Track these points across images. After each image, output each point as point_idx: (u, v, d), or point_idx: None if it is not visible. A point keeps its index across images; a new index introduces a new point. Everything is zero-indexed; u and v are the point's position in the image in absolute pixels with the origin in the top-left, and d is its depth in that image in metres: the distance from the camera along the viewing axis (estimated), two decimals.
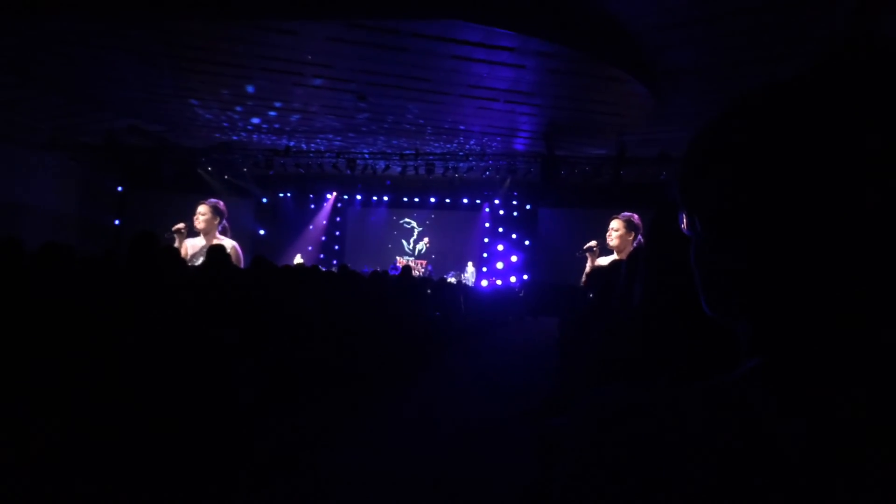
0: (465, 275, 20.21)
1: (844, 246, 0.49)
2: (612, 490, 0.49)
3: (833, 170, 0.49)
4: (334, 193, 22.57)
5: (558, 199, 19.27)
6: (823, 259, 0.49)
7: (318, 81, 11.45)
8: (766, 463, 0.45)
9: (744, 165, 0.54)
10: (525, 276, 20.42)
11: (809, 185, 0.50)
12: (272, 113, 13.96)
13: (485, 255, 21.67)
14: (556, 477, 0.54)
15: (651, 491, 0.47)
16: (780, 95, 0.54)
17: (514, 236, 20.94)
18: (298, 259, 19.82)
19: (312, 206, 22.82)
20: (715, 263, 0.59)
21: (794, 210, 0.50)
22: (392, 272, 13.66)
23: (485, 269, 21.13)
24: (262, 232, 21.49)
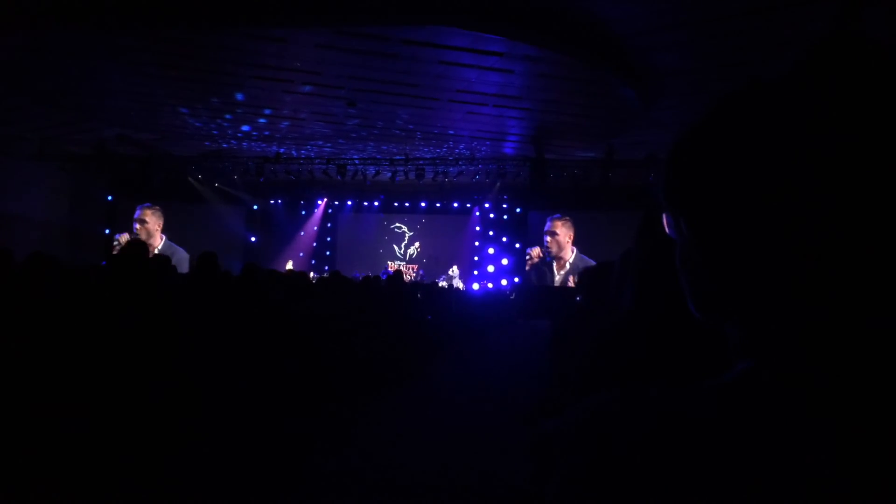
0: (454, 280, 20.25)
1: (833, 246, 0.48)
2: (609, 493, 0.49)
3: (819, 169, 0.48)
4: (325, 199, 22.55)
5: (548, 202, 19.33)
6: (812, 259, 0.49)
7: (307, 88, 11.46)
8: (762, 466, 0.46)
9: (728, 166, 0.53)
10: (516, 279, 20.44)
11: (795, 185, 0.49)
12: (262, 120, 13.95)
13: (475, 258, 21.69)
14: (551, 480, 0.54)
15: (647, 495, 0.48)
16: (764, 94, 0.53)
17: (504, 239, 20.98)
18: (290, 266, 19.83)
19: (303, 213, 22.82)
20: (701, 265, 0.58)
21: (780, 210, 0.50)
22: (383, 277, 13.66)
23: (475, 273, 21.14)
24: (253, 239, 21.46)
